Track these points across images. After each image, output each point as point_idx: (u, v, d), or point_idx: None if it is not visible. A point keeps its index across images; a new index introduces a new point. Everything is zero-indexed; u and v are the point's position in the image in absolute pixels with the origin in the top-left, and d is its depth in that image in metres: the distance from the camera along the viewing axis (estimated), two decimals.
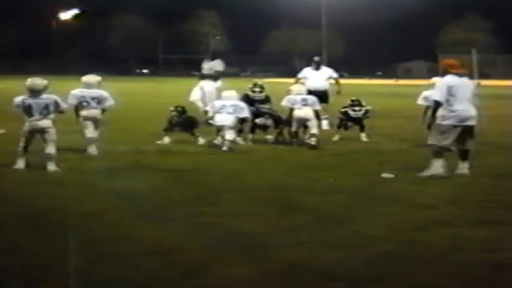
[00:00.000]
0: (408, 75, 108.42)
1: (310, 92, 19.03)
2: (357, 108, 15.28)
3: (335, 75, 19.22)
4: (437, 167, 10.37)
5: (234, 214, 7.63)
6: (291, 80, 20.21)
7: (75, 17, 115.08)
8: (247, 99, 14.81)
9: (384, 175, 10.23)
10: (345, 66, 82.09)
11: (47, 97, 10.89)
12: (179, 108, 14.41)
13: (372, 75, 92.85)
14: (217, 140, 13.42)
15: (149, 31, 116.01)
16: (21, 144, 10.79)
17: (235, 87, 15.98)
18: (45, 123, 10.75)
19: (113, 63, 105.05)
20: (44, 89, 10.96)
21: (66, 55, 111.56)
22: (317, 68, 19.15)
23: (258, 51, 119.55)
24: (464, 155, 10.59)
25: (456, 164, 10.59)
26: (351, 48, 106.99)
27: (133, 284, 5.41)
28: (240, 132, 14.24)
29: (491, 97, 35.49)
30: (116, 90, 13.65)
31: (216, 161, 11.78)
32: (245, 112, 13.47)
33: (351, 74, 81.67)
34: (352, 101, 15.55)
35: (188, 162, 11.64)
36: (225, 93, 14.16)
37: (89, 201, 8.23)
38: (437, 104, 10.48)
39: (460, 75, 10.58)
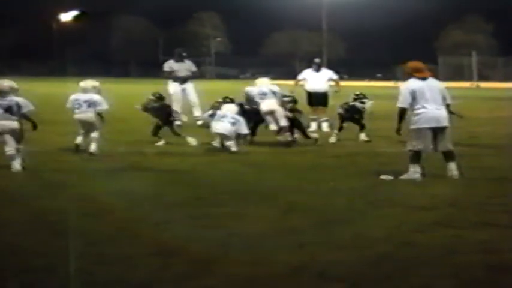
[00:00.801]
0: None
1: (309, 94, 19.10)
2: (364, 100, 15.33)
3: (335, 76, 19.24)
4: (412, 172, 10.23)
5: (234, 215, 7.66)
6: (291, 82, 20.25)
7: (76, 18, 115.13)
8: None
9: (383, 177, 10.25)
10: (344, 68, 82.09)
11: (10, 99, 10.89)
12: (157, 95, 14.91)
13: (372, 77, 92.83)
14: (216, 143, 13.42)
15: (150, 33, 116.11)
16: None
17: (234, 89, 16.05)
18: (11, 124, 10.77)
19: (113, 64, 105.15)
20: (10, 91, 11.00)
21: (66, 57, 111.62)
22: (317, 70, 19.18)
23: (258, 53, 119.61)
24: (448, 157, 10.40)
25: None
26: (351, 50, 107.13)
27: (134, 285, 5.44)
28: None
29: (491, 99, 35.52)
30: (116, 92, 13.70)
31: (216, 163, 11.81)
32: (244, 129, 13.40)
33: (350, 76, 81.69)
34: (357, 94, 15.56)
35: (187, 163, 11.69)
36: (226, 107, 13.96)
37: (90, 202, 8.26)
38: (401, 110, 10.47)
39: (424, 78, 10.45)
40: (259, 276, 5.64)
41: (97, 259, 5.96)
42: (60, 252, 6.11)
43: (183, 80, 17.25)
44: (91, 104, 12.44)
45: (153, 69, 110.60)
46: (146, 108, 14.81)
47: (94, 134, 12.33)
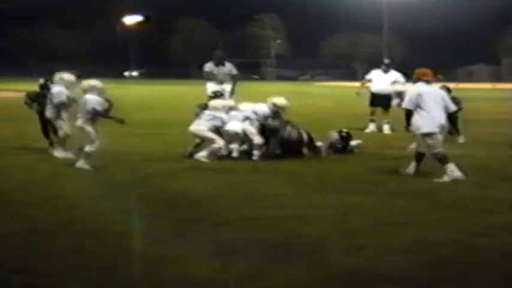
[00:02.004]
0: (470, 78, 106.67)
1: (373, 95, 18.83)
2: None
3: (402, 80, 18.78)
4: (453, 172, 10.31)
5: (293, 217, 7.63)
6: (351, 84, 20.08)
7: (140, 23, 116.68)
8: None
9: (438, 180, 10.09)
10: (405, 70, 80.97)
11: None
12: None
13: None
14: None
15: (210, 34, 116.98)
16: None
17: (294, 90, 16.02)
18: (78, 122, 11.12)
19: (174, 66, 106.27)
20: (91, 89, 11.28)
21: (129, 59, 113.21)
22: (386, 71, 18.93)
23: (318, 54, 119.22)
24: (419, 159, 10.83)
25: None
26: (412, 51, 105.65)
27: (195, 285, 5.46)
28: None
29: None
30: (177, 92, 13.77)
31: (273, 164, 11.74)
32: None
33: (410, 78, 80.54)
34: None
35: (244, 164, 11.67)
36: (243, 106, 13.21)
37: (149, 203, 8.34)
38: (407, 111, 10.83)
39: (428, 82, 10.94)
40: (317, 278, 5.60)
41: (158, 259, 6.00)
42: (122, 252, 6.18)
43: (220, 82, 16.34)
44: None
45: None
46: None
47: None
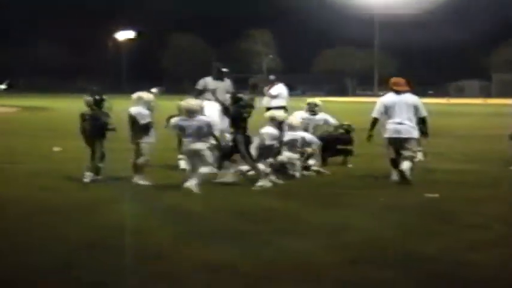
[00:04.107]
0: (460, 94, 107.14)
1: None
2: None
3: None
4: (393, 175, 11.52)
5: (283, 232, 7.59)
6: (342, 99, 20.04)
7: (131, 38, 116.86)
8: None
9: (429, 195, 10.10)
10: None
11: (198, 119, 10.63)
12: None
13: (424, 94, 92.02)
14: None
15: (202, 50, 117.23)
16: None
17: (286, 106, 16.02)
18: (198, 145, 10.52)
19: (167, 82, 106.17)
20: (199, 110, 10.81)
21: (121, 75, 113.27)
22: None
23: (309, 70, 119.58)
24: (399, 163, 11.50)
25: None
26: (402, 67, 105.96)
27: None
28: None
29: None
30: (168, 108, 13.73)
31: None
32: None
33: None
34: None
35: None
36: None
37: (140, 219, 8.30)
38: (374, 120, 11.85)
39: (398, 92, 11.79)
40: None
41: (149, 275, 5.96)
42: (113, 268, 6.14)
43: (220, 101, 13.88)
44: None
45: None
46: None
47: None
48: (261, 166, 11.07)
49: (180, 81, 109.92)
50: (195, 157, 10.51)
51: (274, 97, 16.65)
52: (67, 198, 9.66)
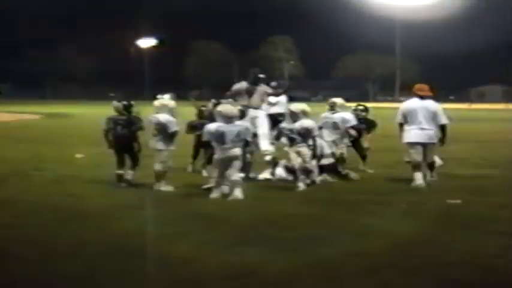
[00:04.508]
0: (482, 99, 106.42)
1: None
2: None
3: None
4: (415, 180, 11.72)
5: (305, 238, 7.57)
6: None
7: (154, 46, 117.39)
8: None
9: (451, 201, 10.03)
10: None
11: (239, 124, 10.65)
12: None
13: (445, 99, 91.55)
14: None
15: (224, 57, 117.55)
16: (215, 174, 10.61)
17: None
18: (236, 151, 10.50)
19: (188, 89, 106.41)
20: (237, 116, 10.81)
21: (142, 82, 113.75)
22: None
23: (331, 75, 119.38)
24: (429, 167, 12.02)
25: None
26: (424, 72, 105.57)
27: None
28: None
29: None
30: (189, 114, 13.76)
31: (284, 183, 11.71)
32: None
33: None
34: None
35: (254, 184, 11.74)
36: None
37: (166, 224, 8.31)
38: (400, 125, 12.13)
39: (422, 97, 12.01)
40: None
41: (173, 282, 5.97)
42: (137, 274, 6.16)
43: (254, 108, 13.53)
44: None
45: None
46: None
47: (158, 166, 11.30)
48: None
49: (201, 88, 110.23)
50: (228, 164, 10.45)
51: (273, 105, 16.36)
52: (91, 204, 9.71)
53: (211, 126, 10.66)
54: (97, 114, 13.13)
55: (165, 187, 11.04)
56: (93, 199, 10.16)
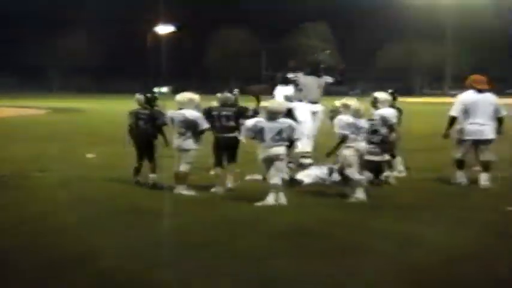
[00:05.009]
0: None
1: None
2: None
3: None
4: (459, 177, 12.08)
5: (343, 250, 7.57)
6: (409, 99, 19.74)
7: (172, 33, 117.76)
8: None
9: (510, 208, 9.92)
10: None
11: (282, 122, 10.55)
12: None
13: (502, 93, 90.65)
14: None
15: (251, 45, 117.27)
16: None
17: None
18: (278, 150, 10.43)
19: (210, 81, 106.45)
20: (282, 112, 10.69)
21: (160, 73, 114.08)
22: None
23: (371, 66, 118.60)
24: (485, 167, 12.03)
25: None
26: (479, 63, 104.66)
27: None
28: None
29: None
30: None
31: (318, 185, 11.70)
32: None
33: None
34: None
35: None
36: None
37: (189, 233, 8.32)
38: (452, 119, 12.17)
39: (480, 90, 12.09)
40: None
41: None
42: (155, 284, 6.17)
43: (313, 102, 13.48)
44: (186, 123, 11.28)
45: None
46: None
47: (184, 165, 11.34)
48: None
49: (227, 80, 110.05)
50: (270, 164, 10.42)
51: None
52: (104, 207, 9.80)
53: (249, 122, 10.72)
54: (110, 109, 13.18)
55: (187, 191, 11.07)
56: (105, 202, 10.22)
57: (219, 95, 11.86)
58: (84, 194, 11.00)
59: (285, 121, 10.59)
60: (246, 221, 8.96)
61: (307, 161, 13.79)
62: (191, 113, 11.22)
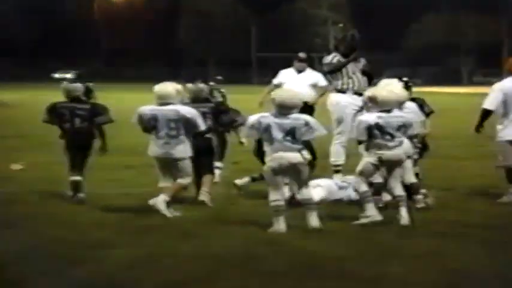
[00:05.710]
0: None
1: None
2: None
3: (323, 82, 17.04)
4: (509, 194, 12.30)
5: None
6: (454, 89, 19.90)
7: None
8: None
9: None
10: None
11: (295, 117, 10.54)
12: None
13: None
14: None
15: (237, 20, 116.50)
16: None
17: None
18: (294, 157, 10.39)
19: (184, 65, 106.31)
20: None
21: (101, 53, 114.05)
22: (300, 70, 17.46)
23: (398, 45, 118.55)
24: None
25: None
26: None
27: None
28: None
29: None
30: None
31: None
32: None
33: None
34: None
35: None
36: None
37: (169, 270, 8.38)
38: (485, 113, 12.49)
39: None
40: None
41: None
42: None
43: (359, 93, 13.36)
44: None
45: (243, 72, 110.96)
46: None
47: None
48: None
49: (205, 64, 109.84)
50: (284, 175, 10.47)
51: (277, 86, 16.04)
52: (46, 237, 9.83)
53: (251, 118, 10.61)
54: (44, 101, 13.10)
55: (166, 210, 11.03)
56: (45, 233, 10.16)
57: (189, 85, 11.86)
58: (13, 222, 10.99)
59: (299, 117, 10.44)
60: (243, 254, 9.03)
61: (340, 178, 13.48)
62: (187, 110, 11.25)
